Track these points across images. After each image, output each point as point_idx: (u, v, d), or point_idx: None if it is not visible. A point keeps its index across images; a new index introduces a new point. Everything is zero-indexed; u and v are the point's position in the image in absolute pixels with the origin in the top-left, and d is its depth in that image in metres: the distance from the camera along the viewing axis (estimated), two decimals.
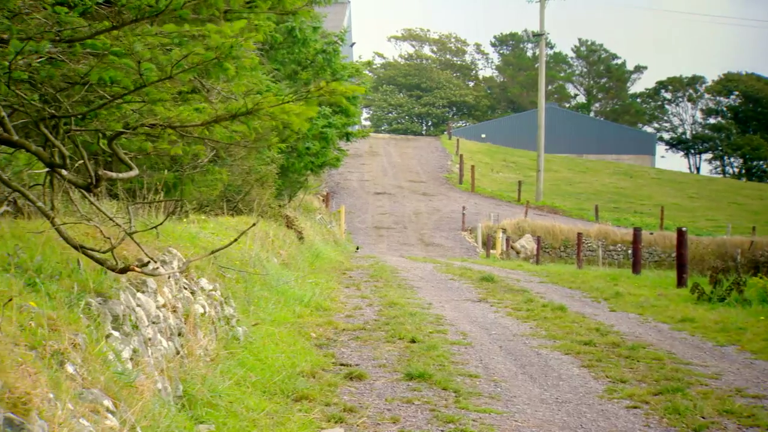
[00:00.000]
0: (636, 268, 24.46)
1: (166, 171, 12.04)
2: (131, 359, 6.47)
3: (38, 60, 4.74)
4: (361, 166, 64.18)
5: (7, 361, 4.57)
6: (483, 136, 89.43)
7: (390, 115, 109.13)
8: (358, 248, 33.25)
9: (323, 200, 42.91)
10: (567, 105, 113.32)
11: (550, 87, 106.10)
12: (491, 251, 38.58)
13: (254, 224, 8.59)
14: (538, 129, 58.41)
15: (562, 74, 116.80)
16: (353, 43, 56.70)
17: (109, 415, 5.22)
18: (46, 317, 5.37)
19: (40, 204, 5.15)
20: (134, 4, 4.95)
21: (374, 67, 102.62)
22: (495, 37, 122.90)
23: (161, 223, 6.89)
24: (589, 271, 26.83)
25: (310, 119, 7.05)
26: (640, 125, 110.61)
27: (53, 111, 5.26)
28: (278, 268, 16.43)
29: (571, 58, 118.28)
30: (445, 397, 8.99)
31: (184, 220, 13.08)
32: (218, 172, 15.16)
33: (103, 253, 5.36)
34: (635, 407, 8.85)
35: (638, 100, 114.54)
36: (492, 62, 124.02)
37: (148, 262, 5.51)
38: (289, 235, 21.67)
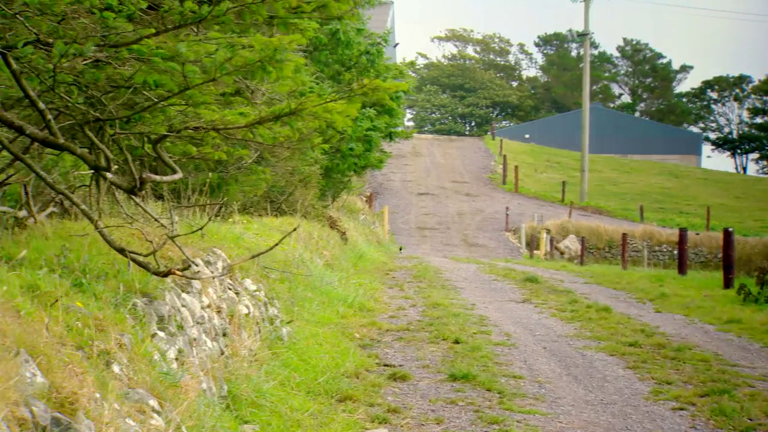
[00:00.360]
0: (682, 269, 24.19)
1: (210, 172, 12.13)
2: (176, 359, 6.52)
3: (84, 63, 4.80)
4: (405, 166, 64.08)
5: (54, 361, 4.62)
6: (527, 136, 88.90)
7: (433, 115, 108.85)
8: (401, 249, 33.18)
9: (366, 201, 42.91)
10: (612, 105, 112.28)
11: (594, 87, 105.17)
12: (535, 252, 38.36)
13: (295, 228, 8.61)
14: (582, 129, 57.97)
15: (606, 74, 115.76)
16: (396, 44, 56.65)
17: (155, 415, 5.26)
18: (92, 317, 5.42)
19: (83, 207, 5.21)
20: (177, 10, 4.98)
21: (417, 67, 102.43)
22: (539, 37, 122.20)
23: (204, 226, 6.93)
24: (634, 272, 26.57)
25: (353, 119, 7.05)
26: (685, 125, 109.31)
27: (98, 114, 5.32)
28: (322, 269, 16.46)
29: (616, 57, 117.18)
30: (489, 398, 8.96)
31: (229, 220, 13.16)
32: (262, 172, 15.23)
33: (145, 256, 5.40)
34: (681, 409, 8.76)
35: (684, 99, 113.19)
36: (536, 62, 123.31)
37: (189, 265, 5.55)
38: (332, 235, 21.70)
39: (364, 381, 9.37)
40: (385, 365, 10.36)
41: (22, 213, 8.25)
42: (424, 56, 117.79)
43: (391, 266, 23.45)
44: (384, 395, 8.93)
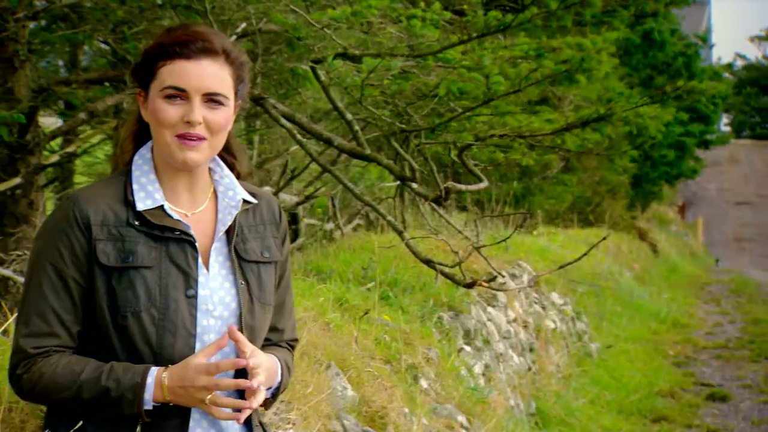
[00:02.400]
0: None
1: (514, 182, 12.05)
2: (483, 375, 6.42)
3: (389, 76, 4.82)
4: (720, 174, 61.01)
5: (364, 374, 4.62)
6: None
7: (753, 119, 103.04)
8: (717, 261, 31.53)
9: (678, 211, 41.28)
10: None
11: None
12: None
13: (604, 238, 8.29)
14: None
15: None
16: (712, 45, 54.18)
17: None
18: (400, 331, 5.41)
19: (389, 219, 5.22)
20: (481, 18, 4.91)
21: (735, 69, 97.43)
22: None
23: (508, 237, 6.79)
24: None
25: (665, 124, 6.72)
26: None
27: (403, 126, 5.33)
28: (631, 282, 15.99)
29: None
30: None
31: (533, 232, 13.03)
32: (568, 182, 14.99)
33: (451, 267, 5.33)
34: None
35: None
36: None
37: (495, 277, 5.42)
38: (642, 247, 21.09)
39: (679, 401, 9.03)
40: (702, 384, 9.94)
41: (330, 225, 8.53)
42: (742, 57, 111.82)
43: (706, 280, 22.49)
44: (702, 416, 8.54)
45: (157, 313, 2.02)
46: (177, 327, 2.03)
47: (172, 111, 2.03)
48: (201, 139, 2.04)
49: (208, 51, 2.06)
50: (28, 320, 2.03)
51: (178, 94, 2.03)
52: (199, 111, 2.03)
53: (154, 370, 2.00)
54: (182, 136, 2.03)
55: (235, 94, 2.12)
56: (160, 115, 2.04)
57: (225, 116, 2.08)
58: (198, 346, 2.06)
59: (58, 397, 2.00)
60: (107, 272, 2.02)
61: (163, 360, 2.02)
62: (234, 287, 2.11)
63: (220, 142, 2.10)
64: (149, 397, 1.98)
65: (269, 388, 2.15)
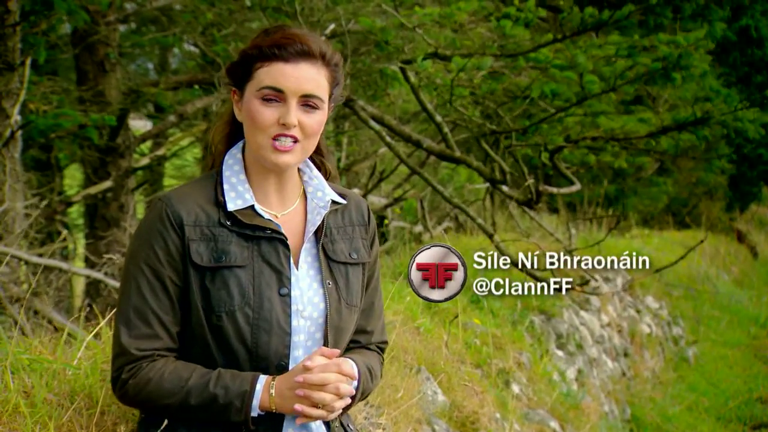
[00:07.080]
0: None
1: (606, 183, 11.85)
2: (576, 380, 6.32)
3: (479, 75, 4.75)
4: None
5: (455, 379, 4.57)
6: None
7: None
8: None
9: None
10: None
11: None
12: None
13: (701, 242, 8.09)
14: None
15: None
16: None
17: None
18: (490, 335, 5.35)
19: (480, 221, 5.16)
20: (576, 16, 4.82)
21: None
22: None
23: (602, 240, 6.65)
24: None
25: (764, 124, 6.54)
26: None
27: (493, 127, 5.26)
28: (729, 286, 15.56)
29: None
30: None
31: (627, 234, 12.80)
32: (663, 183, 14.68)
33: (543, 271, 5.24)
34: None
35: None
36: None
37: (589, 280, 5.31)
38: (741, 250, 20.54)
39: None
40: None
41: (418, 228, 8.48)
42: None
43: None
44: None
45: (251, 312, 2.03)
46: (272, 325, 2.04)
47: (268, 113, 2.04)
48: (295, 141, 2.05)
49: (306, 54, 2.06)
50: (129, 322, 2.03)
51: (275, 95, 2.04)
52: (295, 113, 2.04)
53: (263, 378, 2.01)
54: (276, 139, 2.04)
55: (330, 96, 2.13)
56: (256, 117, 2.05)
57: (319, 120, 2.08)
58: (292, 344, 2.07)
59: (164, 402, 2.01)
60: (201, 272, 2.04)
61: (259, 359, 2.04)
62: (321, 287, 2.12)
63: (312, 145, 2.11)
64: (256, 404, 1.99)
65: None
